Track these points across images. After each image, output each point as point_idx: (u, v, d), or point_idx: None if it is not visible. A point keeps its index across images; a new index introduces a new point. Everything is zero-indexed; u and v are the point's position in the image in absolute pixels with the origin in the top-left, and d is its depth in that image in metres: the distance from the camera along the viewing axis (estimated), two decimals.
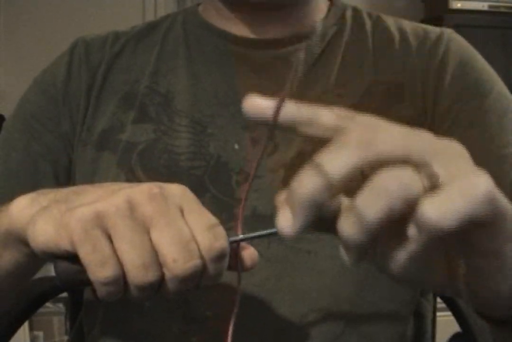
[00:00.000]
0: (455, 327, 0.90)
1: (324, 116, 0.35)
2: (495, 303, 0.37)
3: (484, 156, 0.65)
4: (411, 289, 0.67)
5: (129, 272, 0.40)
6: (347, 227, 0.32)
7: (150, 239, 0.40)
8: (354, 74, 0.69)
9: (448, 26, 2.33)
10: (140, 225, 0.40)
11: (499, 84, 0.70)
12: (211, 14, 0.73)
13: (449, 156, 0.34)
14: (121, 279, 0.41)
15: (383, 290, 0.64)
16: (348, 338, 0.63)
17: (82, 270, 0.41)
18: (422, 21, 2.35)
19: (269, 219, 0.63)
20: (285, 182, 0.64)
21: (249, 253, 0.44)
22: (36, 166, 0.70)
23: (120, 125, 0.69)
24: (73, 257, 0.42)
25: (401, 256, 0.33)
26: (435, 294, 0.82)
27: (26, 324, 1.88)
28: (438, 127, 0.67)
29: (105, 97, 0.71)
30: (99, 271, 0.40)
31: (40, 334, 2.03)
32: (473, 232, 0.32)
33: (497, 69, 0.73)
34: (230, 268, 0.44)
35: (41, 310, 1.05)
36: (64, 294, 1.10)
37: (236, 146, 0.66)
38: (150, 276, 0.40)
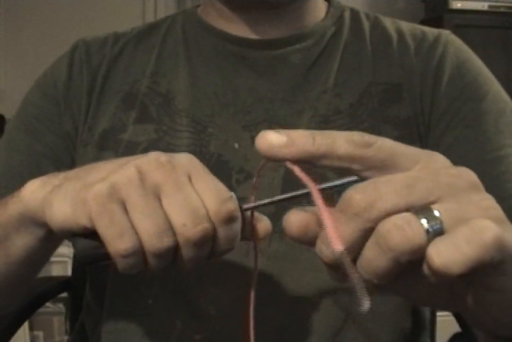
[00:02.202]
0: (455, 327, 0.90)
1: (340, 147, 0.35)
2: (495, 325, 0.37)
3: (480, 157, 0.66)
4: None
5: (145, 240, 0.41)
6: (362, 273, 0.34)
7: (162, 207, 0.41)
8: (353, 74, 0.69)
9: (448, 26, 2.32)
10: (151, 193, 0.41)
11: (496, 86, 0.70)
12: (210, 15, 0.74)
13: (457, 191, 0.33)
14: (140, 250, 0.41)
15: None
16: (347, 333, 0.64)
17: (101, 245, 0.42)
18: (422, 21, 2.35)
19: (271, 217, 0.63)
20: (286, 180, 0.64)
21: (262, 224, 0.45)
22: (39, 167, 0.71)
23: (122, 125, 0.70)
24: (91, 234, 0.43)
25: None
26: None
27: (26, 324, 1.88)
28: (435, 128, 0.67)
29: (106, 97, 0.71)
30: (118, 243, 0.41)
31: (40, 334, 2.03)
32: (480, 271, 0.32)
33: (497, 69, 0.73)
34: (243, 238, 0.44)
35: (41, 310, 1.05)
36: (64, 294, 1.11)
37: (236, 146, 0.67)
38: (165, 242, 0.41)
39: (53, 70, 0.75)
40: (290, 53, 0.70)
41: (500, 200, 0.65)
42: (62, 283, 1.07)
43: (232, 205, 0.42)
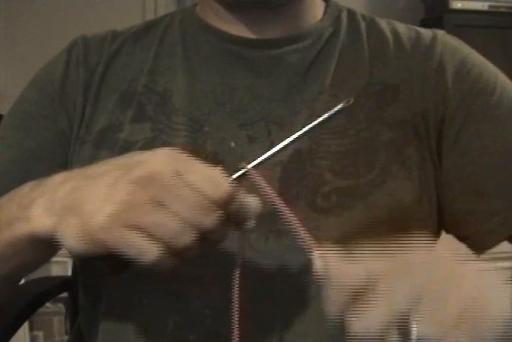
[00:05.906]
0: None
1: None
2: None
3: (501, 150, 0.68)
4: None
5: (168, 243, 0.44)
6: None
7: (169, 211, 0.45)
8: (350, 75, 0.69)
9: (448, 26, 2.31)
10: (152, 207, 0.44)
11: (501, 76, 0.72)
12: (208, 14, 0.73)
13: (434, 294, 0.40)
14: (167, 254, 0.45)
15: None
16: (344, 336, 0.63)
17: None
18: (422, 21, 2.34)
19: (267, 216, 0.63)
20: (282, 180, 0.64)
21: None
22: (29, 165, 0.70)
23: (119, 124, 0.69)
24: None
25: None
26: None
27: (26, 324, 1.88)
28: (451, 126, 0.68)
29: (104, 95, 0.71)
30: (144, 258, 0.44)
31: (40, 334, 2.03)
32: None
33: None
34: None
35: (41, 310, 1.05)
36: (64, 294, 1.11)
37: (233, 144, 0.67)
38: (187, 238, 0.45)
39: (50, 66, 0.75)
40: (288, 53, 0.70)
41: None
42: (62, 283, 1.07)
43: (227, 187, 0.46)
